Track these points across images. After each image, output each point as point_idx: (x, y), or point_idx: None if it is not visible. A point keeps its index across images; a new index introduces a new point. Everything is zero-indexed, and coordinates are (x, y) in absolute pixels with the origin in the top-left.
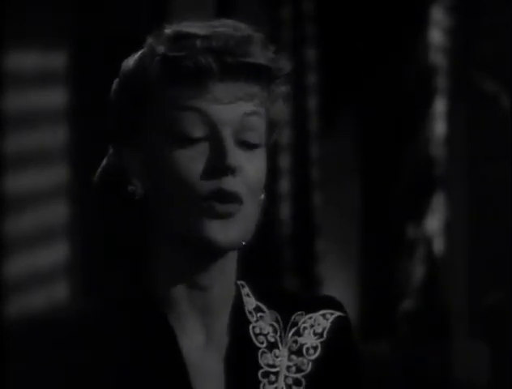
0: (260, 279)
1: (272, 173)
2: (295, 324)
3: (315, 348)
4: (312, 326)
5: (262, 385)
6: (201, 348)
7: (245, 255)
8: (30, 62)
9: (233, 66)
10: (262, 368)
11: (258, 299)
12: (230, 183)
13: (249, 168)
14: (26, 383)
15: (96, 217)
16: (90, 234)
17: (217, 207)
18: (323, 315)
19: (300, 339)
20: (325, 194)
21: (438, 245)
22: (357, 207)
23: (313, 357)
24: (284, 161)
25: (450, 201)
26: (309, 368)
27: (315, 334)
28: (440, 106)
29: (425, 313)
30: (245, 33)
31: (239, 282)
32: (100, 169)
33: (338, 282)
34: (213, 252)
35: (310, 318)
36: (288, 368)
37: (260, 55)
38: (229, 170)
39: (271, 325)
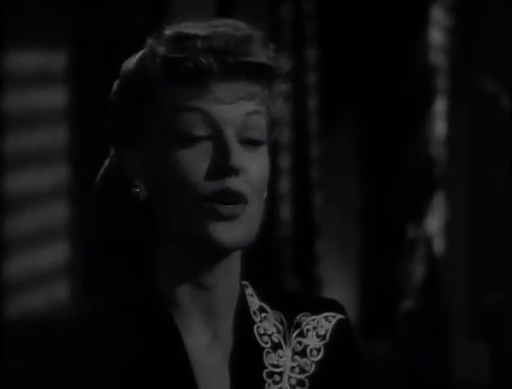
0: (262, 280)
1: (272, 172)
2: (299, 325)
3: (318, 350)
4: (315, 328)
5: (267, 385)
6: (205, 347)
7: (246, 256)
8: (30, 62)
9: (234, 65)
10: (266, 368)
11: (261, 299)
12: (234, 183)
13: (253, 168)
14: (26, 383)
15: (96, 217)
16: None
17: (221, 208)
18: (326, 318)
19: (304, 341)
20: (325, 194)
21: (438, 245)
22: (357, 207)
23: (316, 359)
24: (284, 161)
25: (450, 201)
26: (312, 369)
27: (318, 336)
28: (440, 106)
29: (425, 313)
30: (245, 32)
31: (243, 282)
32: (102, 171)
33: (338, 282)
34: (218, 252)
35: (313, 320)
36: (292, 368)
37: (260, 54)
38: (233, 170)
39: (275, 325)
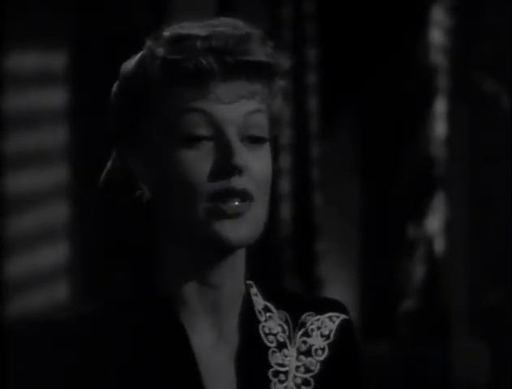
0: (265, 280)
1: (273, 172)
2: (303, 325)
3: (323, 350)
4: (319, 328)
5: (272, 384)
6: (211, 346)
7: (247, 256)
8: (30, 62)
9: (234, 65)
10: (272, 367)
11: (265, 299)
12: (238, 182)
13: (256, 166)
14: (26, 383)
15: (96, 217)
16: (90, 234)
17: (225, 206)
18: (330, 318)
19: (309, 340)
20: (325, 194)
21: (438, 245)
22: (357, 207)
23: (321, 358)
24: (284, 161)
25: (450, 201)
26: (317, 368)
27: (322, 336)
28: (440, 106)
29: (425, 313)
30: (243, 31)
31: (247, 282)
32: (104, 173)
33: (338, 282)
34: (224, 250)
35: (318, 319)
36: (297, 368)
37: (260, 52)
38: (236, 170)
39: (280, 325)
